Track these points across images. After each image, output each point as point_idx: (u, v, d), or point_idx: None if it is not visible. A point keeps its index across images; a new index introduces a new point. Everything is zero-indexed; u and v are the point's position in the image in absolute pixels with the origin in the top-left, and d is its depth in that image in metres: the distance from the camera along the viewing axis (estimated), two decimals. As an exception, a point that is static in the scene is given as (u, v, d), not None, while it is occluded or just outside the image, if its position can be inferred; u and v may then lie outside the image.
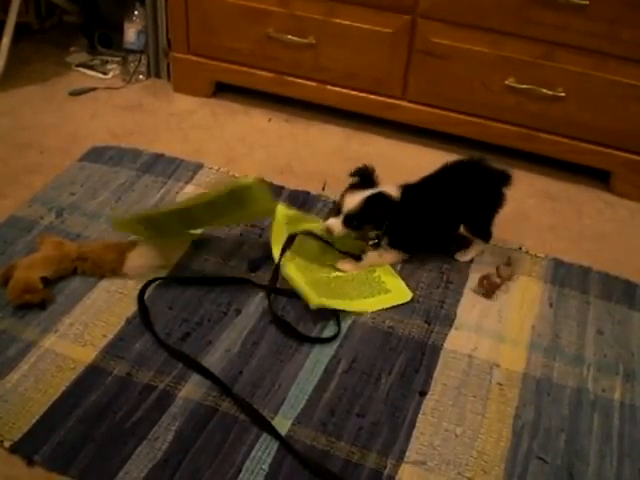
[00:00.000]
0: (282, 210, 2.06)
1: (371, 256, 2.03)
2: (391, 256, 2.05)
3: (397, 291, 1.98)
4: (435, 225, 2.05)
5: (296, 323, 1.86)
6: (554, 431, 1.64)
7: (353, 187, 1.96)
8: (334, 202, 2.07)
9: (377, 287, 1.98)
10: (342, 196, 1.95)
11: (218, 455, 1.54)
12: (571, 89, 2.33)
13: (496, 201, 2.07)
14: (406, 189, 1.98)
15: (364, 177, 1.96)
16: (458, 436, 1.62)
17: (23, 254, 1.97)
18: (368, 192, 1.92)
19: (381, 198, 1.92)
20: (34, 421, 1.58)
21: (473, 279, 2.03)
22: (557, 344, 1.86)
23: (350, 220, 1.92)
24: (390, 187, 1.96)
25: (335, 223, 1.93)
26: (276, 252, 1.98)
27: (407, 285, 1.99)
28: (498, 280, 2.00)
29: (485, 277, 2.00)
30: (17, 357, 1.72)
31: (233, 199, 1.87)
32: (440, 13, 2.36)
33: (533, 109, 2.41)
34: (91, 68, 2.98)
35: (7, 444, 1.54)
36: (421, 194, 2.00)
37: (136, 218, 1.99)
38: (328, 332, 1.84)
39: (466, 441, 1.61)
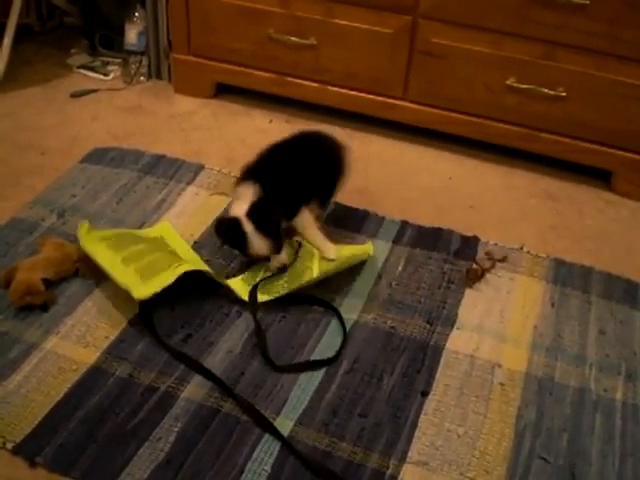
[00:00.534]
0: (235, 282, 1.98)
1: (300, 226, 2.03)
2: (304, 213, 2.02)
3: (362, 250, 2.03)
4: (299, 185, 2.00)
5: (298, 324, 1.86)
6: (556, 431, 1.64)
7: (233, 245, 1.93)
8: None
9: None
10: (245, 247, 1.89)
11: (220, 456, 1.54)
12: (572, 89, 2.33)
13: (339, 169, 2.09)
14: (255, 173, 1.94)
15: (230, 236, 1.91)
16: (460, 436, 1.62)
17: (25, 256, 1.97)
18: (249, 226, 1.85)
19: (262, 210, 1.86)
20: (36, 423, 1.58)
21: (474, 279, 2.04)
22: (559, 344, 1.86)
23: (277, 244, 1.89)
24: (241, 200, 1.89)
25: (278, 258, 1.93)
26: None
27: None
28: (479, 271, 2.02)
29: (468, 269, 2.04)
30: (19, 359, 1.72)
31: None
32: (440, 13, 2.36)
33: (534, 109, 2.41)
34: (92, 70, 2.99)
35: (9, 446, 1.54)
36: (275, 166, 1.99)
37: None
38: (330, 333, 1.84)
39: (468, 441, 1.61)
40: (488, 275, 2.03)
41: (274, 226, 1.89)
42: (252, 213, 1.86)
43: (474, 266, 2.05)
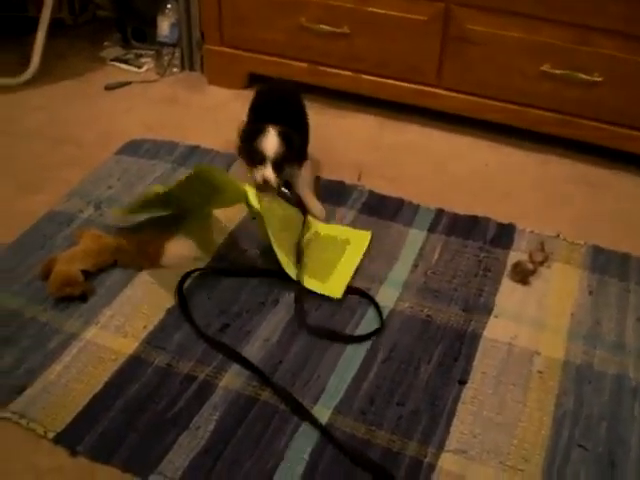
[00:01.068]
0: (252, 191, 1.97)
1: (301, 183, 2.19)
2: (308, 169, 2.24)
3: (356, 238, 2.07)
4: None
5: (333, 313, 1.86)
6: (595, 419, 1.63)
7: (253, 134, 2.08)
8: (250, 150, 2.13)
9: (340, 244, 2.05)
10: (253, 143, 2.08)
11: (259, 444, 1.55)
12: (607, 74, 2.30)
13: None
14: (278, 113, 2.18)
15: (252, 131, 2.11)
16: (499, 424, 1.61)
17: (63, 248, 1.99)
18: (272, 132, 2.07)
19: (290, 133, 2.07)
20: (77, 412, 1.60)
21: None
22: (597, 331, 1.84)
23: (279, 164, 2.07)
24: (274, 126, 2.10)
25: (267, 173, 2.05)
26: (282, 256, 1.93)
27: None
28: (531, 266, 1.98)
29: (518, 264, 1.99)
30: (59, 349, 1.75)
31: (201, 181, 1.90)
32: (474, -1, 2.35)
33: (570, 94, 2.39)
34: (125, 62, 3.01)
35: (51, 435, 1.56)
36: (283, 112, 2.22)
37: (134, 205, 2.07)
38: (367, 322, 1.84)
39: (506, 429, 1.60)
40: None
41: (292, 148, 2.08)
42: (283, 131, 2.08)
43: (526, 260, 2.00)
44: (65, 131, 2.56)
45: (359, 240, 2.09)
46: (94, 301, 1.87)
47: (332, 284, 1.94)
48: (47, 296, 1.86)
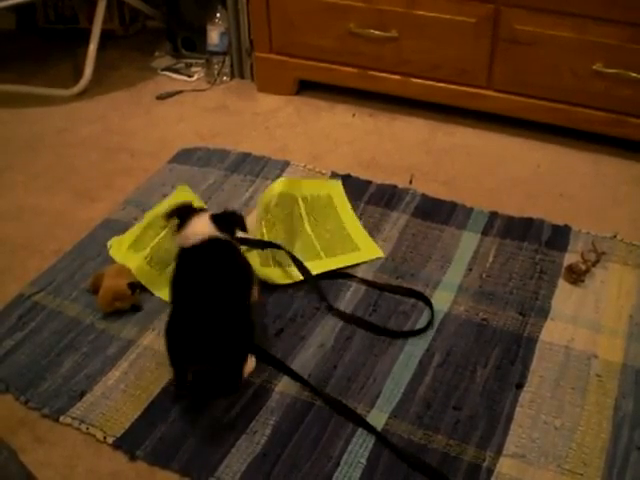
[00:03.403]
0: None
1: None
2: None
3: (366, 249, 2.05)
4: None
5: (388, 317, 1.86)
6: (655, 422, 1.60)
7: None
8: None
9: (348, 245, 2.07)
10: None
11: (316, 449, 1.55)
12: (661, 72, 2.27)
13: None
14: None
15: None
16: (557, 428, 1.59)
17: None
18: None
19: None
20: (135, 417, 1.62)
21: (567, 269, 1.99)
22: (656, 334, 1.81)
23: None
24: None
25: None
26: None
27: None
28: (583, 266, 1.96)
29: (571, 265, 1.97)
30: (117, 355, 1.77)
31: None
32: (523, 0, 2.33)
33: (622, 94, 2.35)
34: (176, 72, 3.04)
35: (110, 440, 1.58)
36: None
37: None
38: (421, 325, 1.83)
39: (565, 433, 1.58)
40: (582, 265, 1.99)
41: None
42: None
43: (578, 261, 1.98)
44: (119, 141, 2.60)
45: (335, 189, 2.25)
46: (149, 308, 1.89)
47: (365, 248, 2.06)
48: (102, 304, 1.89)
